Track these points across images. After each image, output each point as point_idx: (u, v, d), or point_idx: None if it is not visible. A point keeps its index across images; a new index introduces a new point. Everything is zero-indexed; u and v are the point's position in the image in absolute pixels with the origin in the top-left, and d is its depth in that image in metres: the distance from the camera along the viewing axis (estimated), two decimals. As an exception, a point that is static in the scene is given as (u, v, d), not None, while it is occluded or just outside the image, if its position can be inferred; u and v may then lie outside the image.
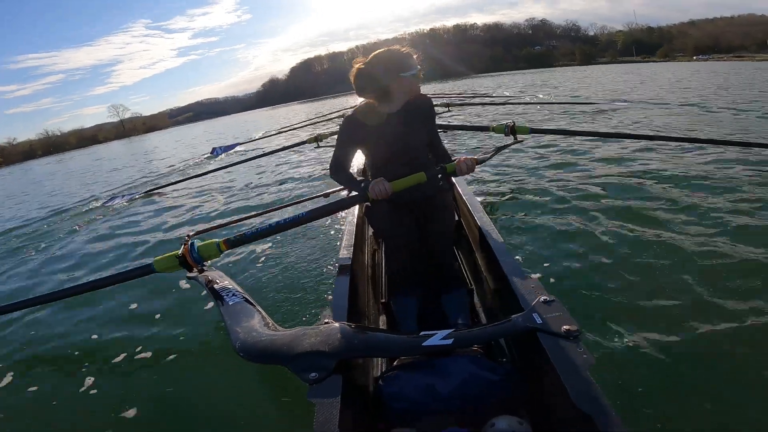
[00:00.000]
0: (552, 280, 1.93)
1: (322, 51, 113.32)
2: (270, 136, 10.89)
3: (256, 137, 10.78)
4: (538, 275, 1.87)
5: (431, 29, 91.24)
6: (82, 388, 1.69)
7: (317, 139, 5.68)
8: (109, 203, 5.48)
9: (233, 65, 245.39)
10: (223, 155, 8.76)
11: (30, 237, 4.55)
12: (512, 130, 3.42)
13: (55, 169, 20.70)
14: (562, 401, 0.80)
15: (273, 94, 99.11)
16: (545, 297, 1.04)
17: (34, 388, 1.76)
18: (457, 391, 0.99)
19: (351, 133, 1.65)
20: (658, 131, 4.98)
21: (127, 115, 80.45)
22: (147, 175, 9.08)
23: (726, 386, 1.25)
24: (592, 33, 75.54)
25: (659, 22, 66.82)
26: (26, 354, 2.06)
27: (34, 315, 2.41)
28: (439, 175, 1.57)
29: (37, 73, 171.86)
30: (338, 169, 1.67)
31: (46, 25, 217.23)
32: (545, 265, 2.07)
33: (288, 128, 11.18)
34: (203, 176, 5.79)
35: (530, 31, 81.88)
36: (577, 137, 4.75)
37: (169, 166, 9.54)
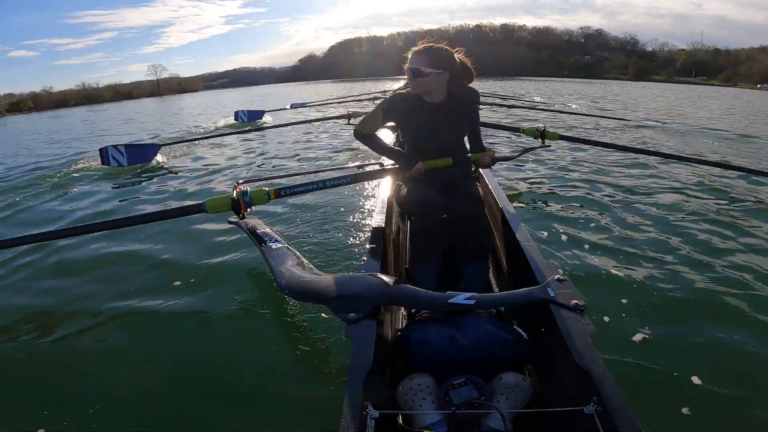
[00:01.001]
0: (565, 264, 2.11)
1: (363, 33, 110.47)
2: (297, 107, 10.79)
3: (284, 107, 10.55)
4: (553, 258, 2.06)
5: (477, 25, 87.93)
6: (114, 336, 1.73)
7: (350, 116, 5.62)
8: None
9: (276, 38, 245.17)
10: (247, 121, 8.68)
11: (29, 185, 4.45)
12: (542, 134, 3.58)
13: (84, 118, 20.76)
14: (565, 359, 0.93)
15: (309, 69, 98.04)
16: (559, 276, 1.15)
17: (59, 334, 1.76)
18: (473, 345, 1.09)
19: (394, 109, 1.80)
20: (688, 153, 4.97)
21: (164, 75, 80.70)
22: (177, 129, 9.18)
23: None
24: (650, 48, 71.50)
25: (727, 44, 62.34)
26: (55, 290, 2.10)
27: (77, 244, 2.51)
28: (465, 162, 1.83)
29: (92, 29, 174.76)
30: (365, 131, 1.86)
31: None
32: (561, 251, 2.26)
33: (316, 103, 11.30)
34: (228, 136, 5.95)
35: (582, 40, 78.06)
36: (606, 149, 4.78)
37: (191, 128, 9.39)
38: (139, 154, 4.93)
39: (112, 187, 4.19)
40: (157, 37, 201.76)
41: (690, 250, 2.28)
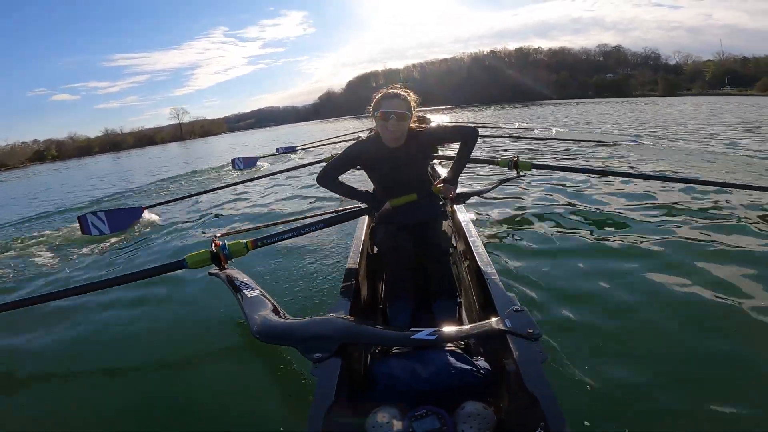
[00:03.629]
0: (527, 294, 2.17)
1: (380, 67, 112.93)
2: (283, 152, 11.49)
3: (274, 153, 11.57)
4: (513, 290, 2.11)
5: (491, 51, 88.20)
6: (101, 383, 1.91)
7: (332, 158, 4.96)
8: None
9: (296, 76, 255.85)
10: (243, 169, 9.19)
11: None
12: (515, 165, 3.68)
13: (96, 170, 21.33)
14: (518, 387, 0.99)
15: (328, 106, 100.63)
16: (516, 307, 1.23)
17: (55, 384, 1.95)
18: (435, 377, 1.16)
19: (356, 157, 1.96)
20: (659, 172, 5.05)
21: (186, 119, 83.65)
22: (182, 181, 9.30)
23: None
24: (674, 62, 68.85)
25: (747, 53, 59.43)
26: (47, 348, 2.22)
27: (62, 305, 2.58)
28: (429, 196, 1.98)
29: (127, 72, 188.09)
30: (329, 177, 1.99)
31: (142, 26, 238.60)
32: (523, 282, 2.31)
33: (301, 146, 11.85)
34: (224, 189, 5.92)
35: (601, 58, 76.76)
36: (577, 174, 4.90)
37: (193, 173, 10.09)
38: (121, 219, 4.67)
39: (94, 251, 4.08)
40: (187, 79, 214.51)
41: (656, 277, 2.30)
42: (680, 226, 3.06)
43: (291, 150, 11.58)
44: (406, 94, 1.85)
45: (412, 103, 1.87)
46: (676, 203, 3.68)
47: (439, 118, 22.23)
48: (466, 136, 2.00)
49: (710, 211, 3.40)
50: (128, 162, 24.68)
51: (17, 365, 2.13)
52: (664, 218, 3.29)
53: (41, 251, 4.14)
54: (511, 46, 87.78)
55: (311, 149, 11.39)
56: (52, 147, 63.52)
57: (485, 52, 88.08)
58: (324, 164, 6.12)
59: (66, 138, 68.09)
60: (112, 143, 68.04)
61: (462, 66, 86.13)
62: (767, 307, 1.91)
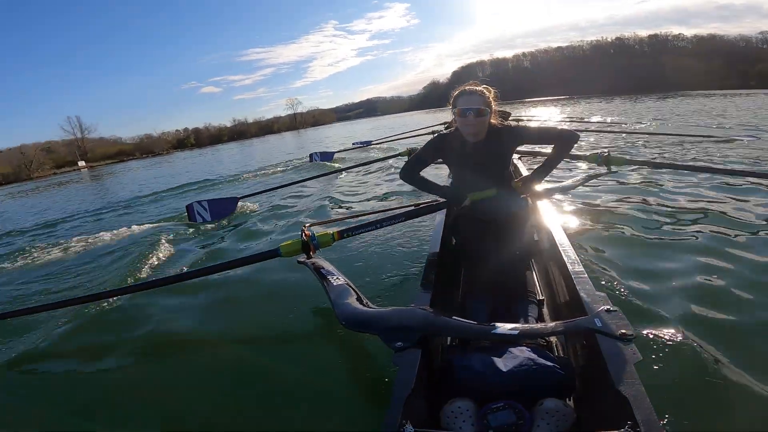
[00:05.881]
0: (620, 295, 2.01)
1: (485, 56, 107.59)
2: (360, 146, 11.51)
3: (350, 147, 11.47)
4: (604, 290, 1.85)
5: (617, 38, 77.34)
6: (198, 368, 1.99)
7: (409, 153, 5.80)
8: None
9: (402, 67, 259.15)
10: (319, 161, 9.59)
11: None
12: (606, 160, 3.55)
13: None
14: (606, 386, 0.96)
15: (432, 97, 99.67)
16: (608, 307, 1.18)
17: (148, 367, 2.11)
18: (515, 372, 1.11)
19: (438, 150, 1.98)
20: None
21: (300, 109, 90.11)
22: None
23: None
24: None
25: None
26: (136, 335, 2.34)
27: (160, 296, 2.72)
28: (509, 192, 1.96)
29: (257, 66, 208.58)
30: (412, 172, 2.03)
31: (266, 23, 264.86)
32: (616, 282, 2.14)
33: (378, 140, 11.84)
34: (297, 184, 6.06)
35: (765, 46, 62.45)
36: (676, 171, 4.42)
37: (272, 168, 10.57)
38: (221, 208, 5.15)
39: (198, 239, 4.40)
40: (305, 71, 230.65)
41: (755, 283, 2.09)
42: None
43: (366, 144, 11.73)
44: (483, 90, 1.84)
45: (491, 99, 1.84)
46: None
47: (545, 111, 20.95)
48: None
49: None
50: (249, 150, 27.36)
51: (127, 334, 2.35)
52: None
53: (156, 237, 4.34)
54: (643, 33, 76.06)
55: (386, 144, 11.41)
56: (191, 135, 73.68)
57: (609, 40, 78.02)
58: (399, 158, 6.17)
59: (202, 127, 77.99)
60: (238, 132, 76.45)
61: (581, 54, 77.72)
62: None
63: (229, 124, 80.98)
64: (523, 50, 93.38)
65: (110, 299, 2.62)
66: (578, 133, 2.00)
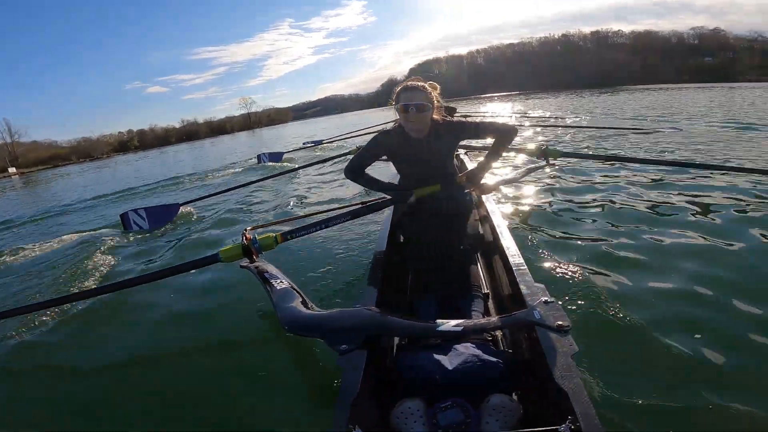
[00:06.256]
0: (558, 285, 2.05)
1: (442, 54, 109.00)
2: (310, 146, 11.41)
3: (300, 147, 11.43)
4: (543, 281, 1.74)
5: (563, 35, 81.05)
6: (139, 379, 1.90)
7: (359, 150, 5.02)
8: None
9: (360, 64, 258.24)
10: (268, 162, 9.32)
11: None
12: (544, 153, 3.61)
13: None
14: (547, 379, 0.98)
15: (390, 94, 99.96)
16: (546, 298, 1.19)
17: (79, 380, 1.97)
18: (461, 369, 1.12)
19: (382, 146, 1.97)
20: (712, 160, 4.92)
21: (254, 109, 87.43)
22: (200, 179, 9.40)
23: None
24: None
25: None
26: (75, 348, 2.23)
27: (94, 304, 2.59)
28: (454, 187, 1.98)
29: (209, 65, 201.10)
30: (356, 169, 2.01)
31: (219, 21, 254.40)
32: (554, 273, 2.21)
33: (328, 140, 11.62)
34: (252, 184, 5.83)
35: (696, 41, 67.57)
36: (608, 162, 4.78)
37: (218, 171, 10.10)
38: (160, 216, 4.85)
39: (132, 247, 4.14)
40: (260, 69, 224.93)
41: (695, 269, 2.22)
42: (713, 213, 3.05)
43: (317, 143, 11.54)
44: (425, 86, 1.85)
45: (434, 95, 1.86)
46: (718, 191, 3.60)
47: (498, 107, 21.74)
48: (504, 134, 1.95)
49: (739, 199, 3.35)
50: (198, 152, 26.69)
51: (49, 358, 2.16)
52: (698, 207, 3.23)
53: (87, 248, 4.06)
54: (586, 29, 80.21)
55: (337, 142, 11.25)
56: (134, 138, 68.91)
57: (557, 36, 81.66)
58: (349, 157, 5.69)
59: (146, 129, 73.61)
60: (188, 133, 72.73)
61: (531, 51, 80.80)
62: None
63: (177, 125, 77.42)
64: (477, 47, 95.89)
65: (33, 313, 2.43)
66: (516, 127, 2.05)
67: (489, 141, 2.06)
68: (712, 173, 4.09)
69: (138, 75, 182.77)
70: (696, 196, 3.55)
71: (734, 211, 3.10)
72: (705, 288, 2.02)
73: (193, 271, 2.37)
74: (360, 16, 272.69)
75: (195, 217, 5.17)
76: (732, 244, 2.50)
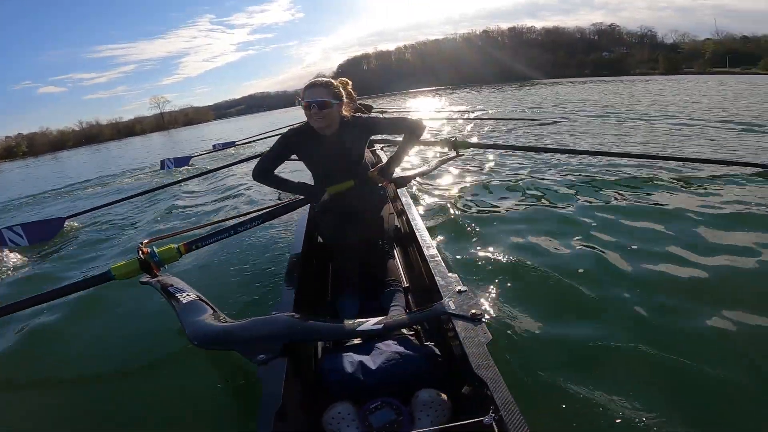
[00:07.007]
0: (471, 273, 2.15)
1: (371, 50, 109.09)
2: (221, 149, 10.84)
3: (210, 150, 10.91)
4: (457, 271, 1.85)
5: (484, 31, 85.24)
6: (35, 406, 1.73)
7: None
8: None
9: (287, 61, 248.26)
10: (173, 168, 8.62)
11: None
12: (453, 145, 3.68)
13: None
14: (467, 372, 0.98)
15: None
16: (460, 288, 1.24)
17: None
18: (385, 367, 1.12)
19: (290, 144, 1.94)
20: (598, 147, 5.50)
21: (169, 108, 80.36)
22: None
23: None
24: (670, 41, 66.03)
25: (740, 32, 57.45)
26: None
27: None
28: (367, 182, 1.97)
29: (114, 63, 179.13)
30: (265, 170, 1.96)
31: (125, 17, 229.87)
32: (467, 261, 2.30)
33: (240, 141, 11.26)
34: (154, 191, 5.39)
35: (596, 37, 74.63)
36: (517, 152, 5.19)
37: (115, 179, 9.22)
38: (41, 231, 4.40)
39: (8, 269, 3.61)
40: (176, 67, 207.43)
41: (595, 246, 2.35)
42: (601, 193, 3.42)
43: (229, 145, 11.01)
44: (330, 82, 1.86)
45: (340, 91, 1.87)
46: (597, 174, 4.05)
47: (427, 102, 22.41)
48: (412, 129, 1.97)
49: (624, 180, 3.77)
50: (98, 156, 24.45)
51: None
52: (588, 187, 3.61)
53: None
54: (504, 26, 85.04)
55: (251, 144, 10.81)
56: (22, 142, 59.56)
57: (477, 33, 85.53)
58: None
59: (37, 132, 64.17)
60: (88, 136, 64.62)
61: (454, 47, 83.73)
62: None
63: (76, 128, 68.91)
64: (405, 43, 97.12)
65: None
66: (424, 123, 2.05)
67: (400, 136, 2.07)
68: (599, 158, 4.60)
69: (29, 74, 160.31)
70: (589, 176, 4.00)
71: (620, 186, 3.62)
72: (612, 266, 2.14)
73: (82, 292, 2.15)
74: (287, 12, 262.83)
75: (84, 231, 4.67)
76: (630, 216, 2.82)
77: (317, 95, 1.79)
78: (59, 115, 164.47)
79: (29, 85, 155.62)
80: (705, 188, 3.36)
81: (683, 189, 3.38)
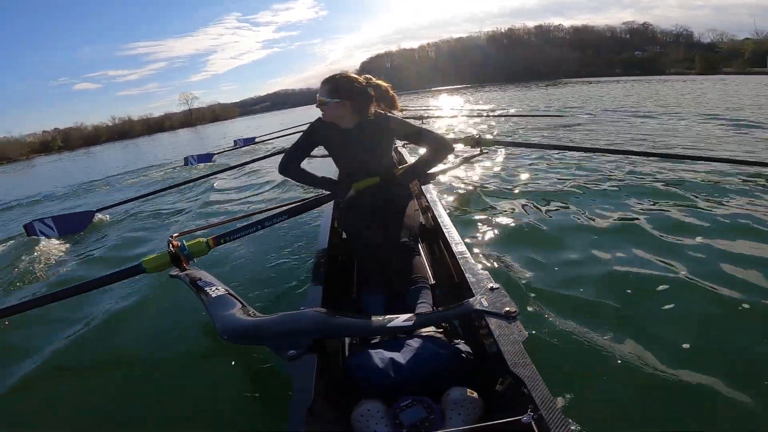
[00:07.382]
0: (501, 270, 2.10)
1: (393, 47, 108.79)
2: (243, 146, 10.82)
3: (231, 147, 10.87)
4: (487, 268, 1.96)
5: (509, 29, 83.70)
6: (71, 396, 1.72)
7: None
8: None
9: (311, 59, 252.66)
10: (198, 165, 8.68)
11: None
12: (477, 143, 3.79)
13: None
14: (502, 369, 0.96)
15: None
16: (492, 285, 1.21)
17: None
18: (415, 365, 1.10)
19: (315, 135, 1.94)
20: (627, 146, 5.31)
21: (197, 104, 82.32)
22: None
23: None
24: (707, 40, 63.32)
25: None
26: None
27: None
28: (393, 179, 1.97)
29: (145, 60, 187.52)
30: (290, 164, 1.97)
31: (155, 15, 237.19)
32: (497, 258, 2.26)
33: (269, 135, 11.27)
34: (179, 186, 5.49)
35: (627, 36, 72.26)
36: (541, 150, 5.09)
37: (142, 174, 9.36)
38: (71, 223, 4.44)
39: (40, 262, 3.56)
40: (204, 65, 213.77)
41: (633, 251, 2.24)
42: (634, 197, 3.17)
43: (249, 142, 10.99)
44: (340, 78, 1.86)
45: (352, 87, 1.83)
46: (627, 173, 3.87)
47: (451, 100, 22.18)
48: (439, 149, 1.95)
49: (655, 182, 3.52)
50: (129, 151, 25.18)
51: None
52: (617, 190, 3.40)
53: None
54: (530, 24, 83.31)
55: (272, 140, 10.83)
56: (57, 137, 61.41)
57: (502, 31, 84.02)
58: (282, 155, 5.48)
59: (72, 126, 66.58)
60: (120, 131, 66.62)
61: (478, 45, 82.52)
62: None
63: (109, 123, 71.23)
64: (428, 41, 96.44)
65: None
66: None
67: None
68: (629, 157, 4.40)
69: (66, 71, 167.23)
70: (620, 177, 3.79)
71: (657, 186, 3.40)
72: (648, 264, 2.07)
73: (114, 284, 2.15)
74: (311, 10, 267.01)
75: (114, 224, 4.69)
76: (662, 218, 2.69)
77: (324, 92, 1.84)
78: (93, 110, 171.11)
79: (66, 82, 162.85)
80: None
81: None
